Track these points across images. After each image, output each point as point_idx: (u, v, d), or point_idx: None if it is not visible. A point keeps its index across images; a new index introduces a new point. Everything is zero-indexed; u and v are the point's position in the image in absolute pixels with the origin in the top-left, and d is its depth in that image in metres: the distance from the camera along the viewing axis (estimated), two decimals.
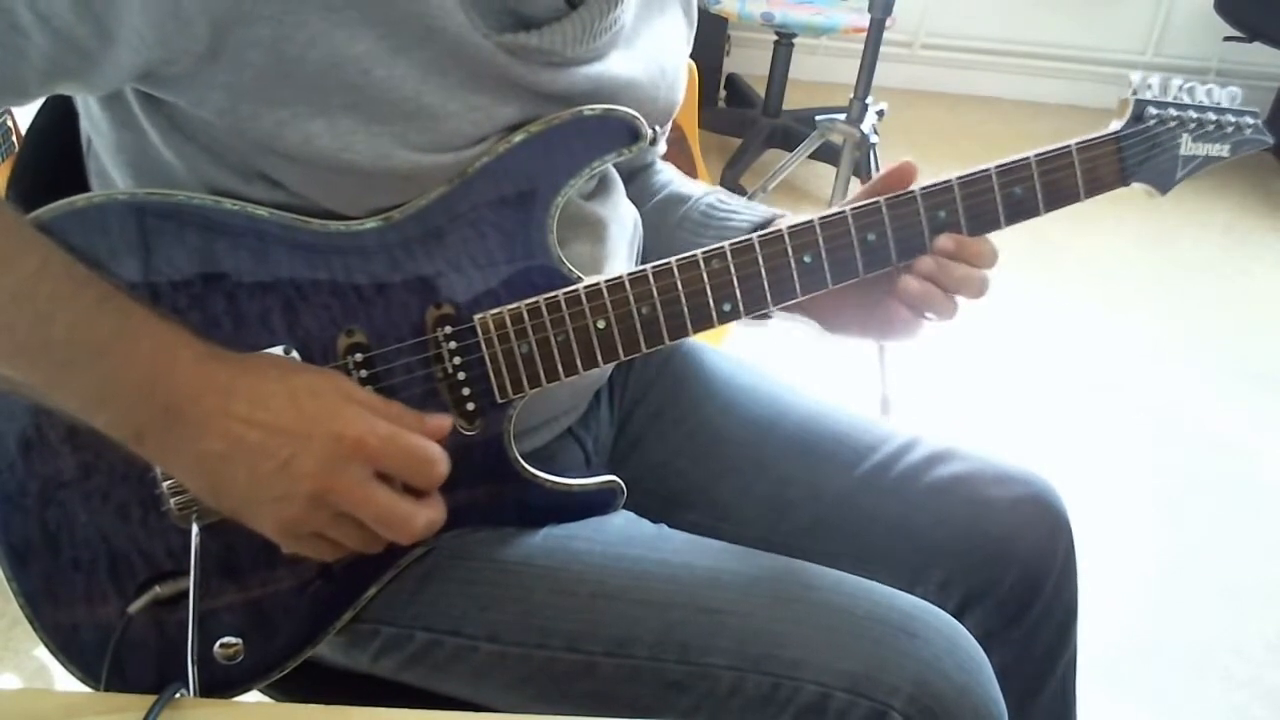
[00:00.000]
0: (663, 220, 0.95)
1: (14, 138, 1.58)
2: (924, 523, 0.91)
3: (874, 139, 2.34)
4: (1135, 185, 0.85)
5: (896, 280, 0.80)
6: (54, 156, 0.83)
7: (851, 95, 2.37)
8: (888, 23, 2.35)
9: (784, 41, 3.04)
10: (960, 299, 0.80)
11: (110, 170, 0.77)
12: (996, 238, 0.81)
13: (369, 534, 0.71)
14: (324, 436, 0.67)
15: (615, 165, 0.82)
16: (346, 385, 0.71)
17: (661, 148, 0.99)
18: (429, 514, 0.71)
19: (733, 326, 0.80)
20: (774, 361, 2.16)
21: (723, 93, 3.44)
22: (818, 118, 2.45)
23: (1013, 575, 0.90)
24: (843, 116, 2.38)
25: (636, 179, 0.99)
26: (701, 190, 0.96)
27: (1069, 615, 0.95)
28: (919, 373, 2.30)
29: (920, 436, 0.96)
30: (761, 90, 3.18)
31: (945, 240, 0.80)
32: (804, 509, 0.93)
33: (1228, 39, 3.37)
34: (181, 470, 0.70)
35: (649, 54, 0.82)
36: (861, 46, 2.37)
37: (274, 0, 0.64)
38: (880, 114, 2.40)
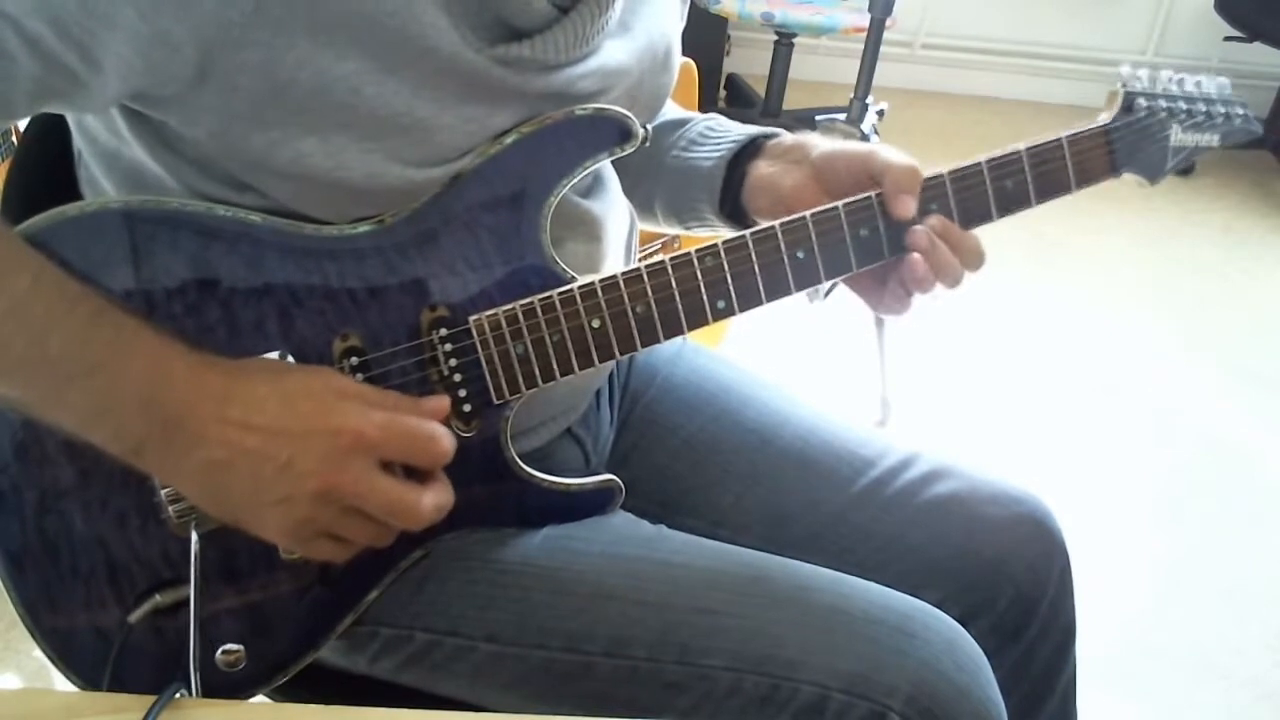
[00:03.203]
0: (657, 146, 0.94)
1: (14, 137, 1.57)
2: (919, 540, 0.91)
3: (874, 139, 2.34)
4: (1125, 176, 0.85)
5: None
6: (47, 164, 0.82)
7: (851, 95, 2.38)
8: (888, 23, 2.35)
9: (784, 41, 3.04)
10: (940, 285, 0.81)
11: (101, 180, 0.76)
12: (996, 236, 0.82)
13: (377, 526, 0.70)
14: (322, 433, 0.67)
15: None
16: (339, 381, 0.71)
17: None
18: (436, 497, 0.71)
19: (731, 326, 0.80)
20: (774, 361, 2.17)
21: (723, 93, 3.44)
22: (818, 118, 2.46)
23: (1008, 596, 0.90)
24: (843, 116, 2.38)
25: None
26: (699, 117, 0.96)
27: (1067, 636, 0.94)
28: (919, 374, 2.30)
29: (918, 452, 0.95)
30: (761, 90, 3.18)
31: (934, 220, 0.80)
32: (800, 521, 0.93)
33: (1228, 39, 3.37)
34: (183, 481, 0.70)
35: (643, 38, 0.81)
36: (861, 46, 2.38)
37: (263, 25, 0.63)
38: (880, 114, 2.40)
